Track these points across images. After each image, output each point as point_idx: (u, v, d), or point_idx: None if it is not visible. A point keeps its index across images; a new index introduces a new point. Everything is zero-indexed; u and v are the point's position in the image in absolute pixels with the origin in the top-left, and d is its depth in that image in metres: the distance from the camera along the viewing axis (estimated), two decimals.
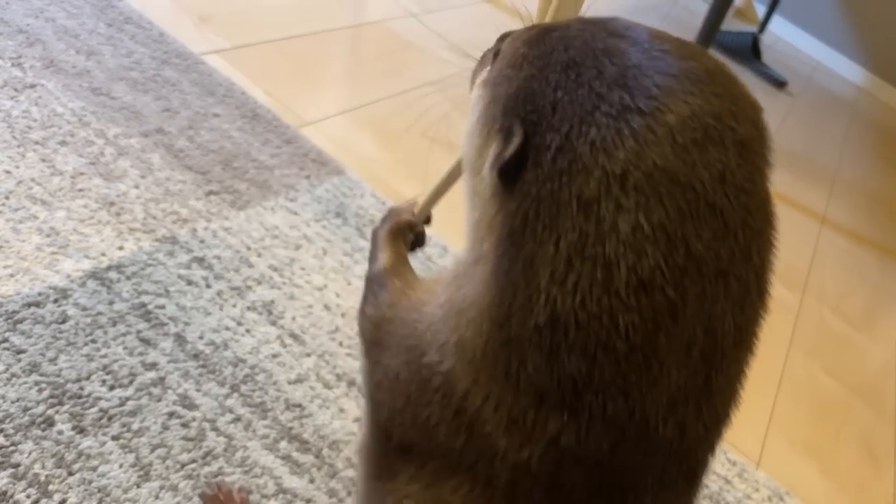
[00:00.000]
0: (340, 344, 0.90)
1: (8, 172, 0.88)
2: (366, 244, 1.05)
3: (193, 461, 0.71)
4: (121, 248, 0.86)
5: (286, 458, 0.75)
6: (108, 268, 0.83)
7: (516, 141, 0.36)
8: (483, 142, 0.40)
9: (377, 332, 0.48)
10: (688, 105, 0.34)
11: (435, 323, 0.42)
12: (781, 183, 1.97)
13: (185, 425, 0.73)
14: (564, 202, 0.34)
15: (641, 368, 0.34)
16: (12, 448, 0.65)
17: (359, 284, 0.99)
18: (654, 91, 0.34)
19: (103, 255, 0.84)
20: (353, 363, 0.88)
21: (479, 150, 0.41)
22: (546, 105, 0.36)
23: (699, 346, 0.34)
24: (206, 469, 0.71)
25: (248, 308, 0.87)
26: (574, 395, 0.34)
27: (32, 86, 1.01)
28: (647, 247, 0.33)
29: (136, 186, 0.95)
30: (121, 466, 0.67)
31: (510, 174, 0.36)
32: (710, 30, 1.81)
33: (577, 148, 0.34)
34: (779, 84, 2.72)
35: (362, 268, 1.01)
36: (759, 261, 0.36)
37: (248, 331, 0.85)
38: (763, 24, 3.28)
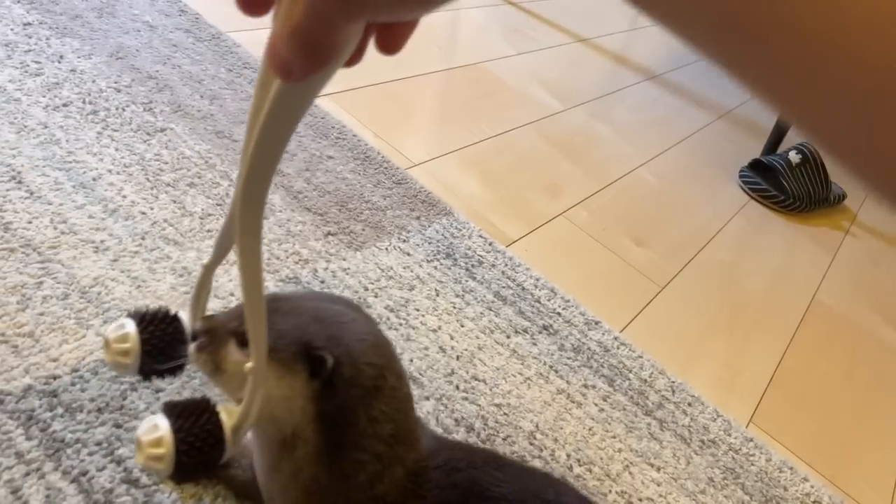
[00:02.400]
0: (457, 388, 0.89)
1: (143, 214, 0.91)
2: (475, 285, 1.05)
3: None
4: None
5: None
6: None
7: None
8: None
9: None
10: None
11: None
12: (887, 223, 1.89)
13: None
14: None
15: None
16: (155, 488, 0.66)
17: (471, 327, 0.98)
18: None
19: (231, 294, 0.86)
20: (470, 407, 0.87)
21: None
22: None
23: None
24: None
25: None
26: None
27: (163, 130, 1.05)
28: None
29: None
30: None
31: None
32: None
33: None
34: None
35: (474, 310, 1.01)
36: None
37: None
38: None
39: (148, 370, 0.59)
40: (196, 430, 0.54)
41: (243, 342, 0.54)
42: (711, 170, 1.79)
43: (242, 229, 0.46)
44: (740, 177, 1.77)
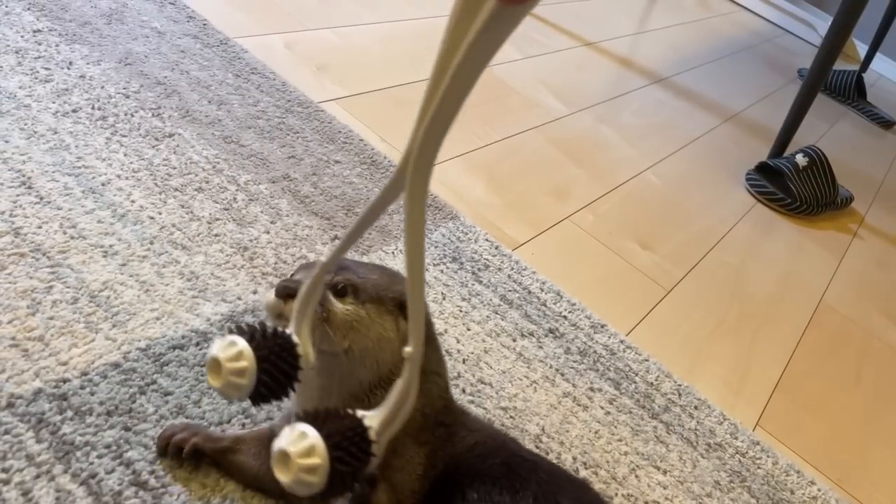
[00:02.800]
0: (463, 391, 0.89)
1: (152, 218, 0.92)
2: (482, 289, 1.05)
3: None
4: (255, 292, 0.89)
5: None
6: (244, 311, 0.85)
7: None
8: None
9: None
10: None
11: None
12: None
13: None
14: None
15: None
16: (163, 490, 0.66)
17: (478, 330, 0.98)
18: None
19: (239, 298, 0.87)
20: (476, 411, 0.87)
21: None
22: None
23: None
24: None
25: None
26: None
27: (171, 135, 1.06)
28: None
29: (267, 231, 0.98)
30: None
31: None
32: (822, 69, 1.75)
33: None
34: (886, 124, 2.61)
35: (480, 313, 1.01)
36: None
37: None
38: (865, 63, 3.17)
39: (264, 393, 0.55)
40: (346, 432, 0.50)
41: (338, 293, 0.62)
42: (718, 173, 1.79)
43: (415, 179, 0.44)
44: (747, 180, 1.76)
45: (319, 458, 0.48)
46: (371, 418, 0.52)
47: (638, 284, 1.25)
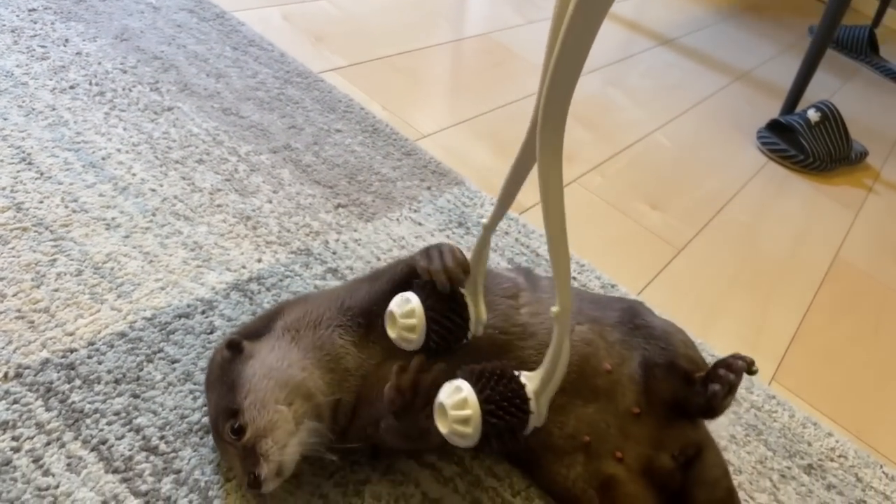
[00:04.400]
0: None
1: (153, 191, 0.91)
2: (489, 253, 1.04)
3: (341, 469, 0.70)
4: (259, 260, 0.88)
5: (430, 466, 0.74)
6: (249, 279, 0.85)
7: None
8: None
9: None
10: None
11: None
12: None
13: None
14: None
15: None
16: (173, 454, 0.66)
17: None
18: None
19: (243, 267, 0.86)
20: None
21: None
22: None
23: None
24: (353, 476, 0.71)
25: None
26: None
27: (170, 108, 1.06)
28: None
29: (270, 201, 0.97)
30: None
31: None
32: (830, 25, 1.71)
33: None
34: None
35: None
36: None
37: None
38: (877, 18, 3.11)
39: (432, 348, 0.61)
40: (501, 389, 0.54)
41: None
42: (728, 132, 1.76)
43: (543, 149, 0.45)
44: (758, 138, 1.73)
45: (471, 410, 0.52)
46: (530, 378, 0.55)
47: (648, 244, 1.24)
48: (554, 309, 0.52)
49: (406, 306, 0.60)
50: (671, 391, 0.72)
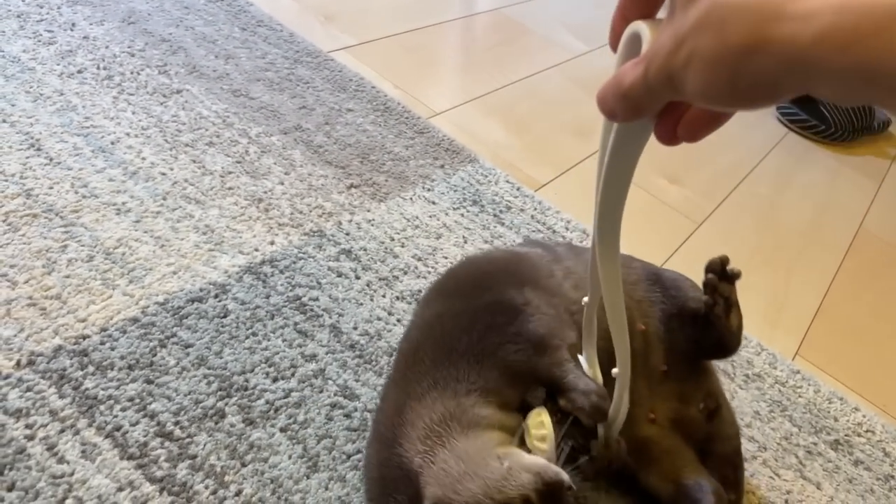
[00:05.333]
0: None
1: (164, 174, 0.90)
2: (504, 231, 1.02)
3: (358, 452, 0.70)
4: (272, 242, 0.87)
5: None
6: (262, 262, 0.84)
7: None
8: None
9: None
10: None
11: None
12: None
13: (347, 416, 0.72)
14: None
15: None
16: (188, 440, 0.65)
17: None
18: None
19: (256, 250, 0.85)
20: None
21: None
22: None
23: None
24: None
25: (397, 298, 0.86)
26: None
27: (179, 91, 1.04)
28: None
29: (281, 183, 0.96)
30: (290, 458, 0.67)
31: None
32: None
33: None
34: None
35: None
36: None
37: (398, 320, 0.84)
38: None
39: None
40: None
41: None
42: None
43: (602, 258, 0.51)
44: (778, 109, 1.70)
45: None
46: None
47: (667, 219, 1.21)
48: (614, 371, 0.58)
49: (540, 430, 0.59)
50: (687, 339, 0.72)
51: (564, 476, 0.53)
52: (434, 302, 0.71)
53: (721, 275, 0.71)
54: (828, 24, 0.26)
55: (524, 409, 0.61)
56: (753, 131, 1.61)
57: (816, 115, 1.63)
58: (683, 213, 1.24)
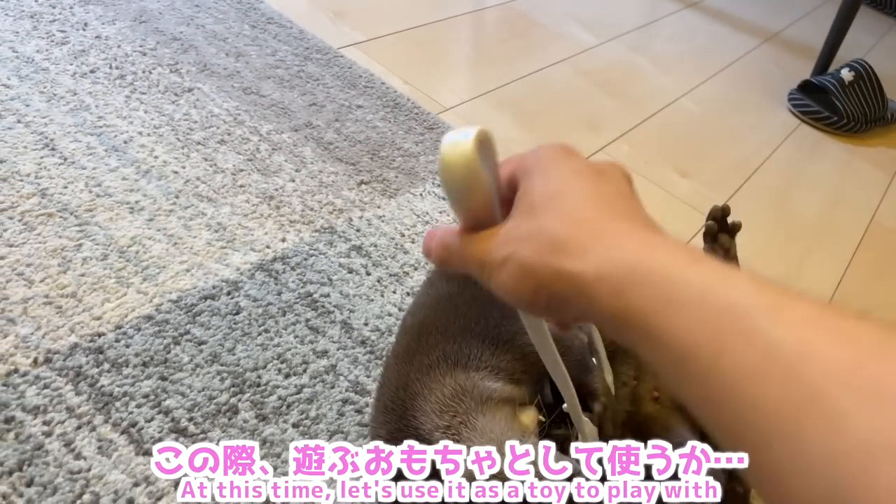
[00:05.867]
0: None
1: (176, 172, 0.91)
2: None
3: None
4: (283, 239, 0.88)
5: None
6: (274, 259, 0.85)
7: None
8: None
9: None
10: None
11: None
12: None
13: (358, 411, 0.73)
14: None
15: None
16: (202, 436, 0.66)
17: None
18: None
19: (268, 247, 0.86)
20: None
21: None
22: None
23: None
24: None
25: (408, 294, 0.87)
26: None
27: (190, 89, 1.05)
28: None
29: (292, 180, 0.96)
30: None
31: None
32: None
33: None
34: None
35: None
36: None
37: None
38: None
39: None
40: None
41: None
42: (758, 96, 1.71)
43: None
44: (789, 100, 1.68)
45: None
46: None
47: (679, 213, 1.21)
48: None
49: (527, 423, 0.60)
50: None
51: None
52: (443, 283, 0.71)
53: (721, 224, 0.70)
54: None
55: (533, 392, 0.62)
56: (765, 123, 1.60)
57: (828, 106, 1.62)
58: (694, 206, 1.23)
